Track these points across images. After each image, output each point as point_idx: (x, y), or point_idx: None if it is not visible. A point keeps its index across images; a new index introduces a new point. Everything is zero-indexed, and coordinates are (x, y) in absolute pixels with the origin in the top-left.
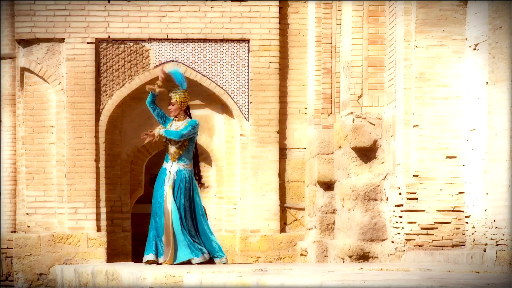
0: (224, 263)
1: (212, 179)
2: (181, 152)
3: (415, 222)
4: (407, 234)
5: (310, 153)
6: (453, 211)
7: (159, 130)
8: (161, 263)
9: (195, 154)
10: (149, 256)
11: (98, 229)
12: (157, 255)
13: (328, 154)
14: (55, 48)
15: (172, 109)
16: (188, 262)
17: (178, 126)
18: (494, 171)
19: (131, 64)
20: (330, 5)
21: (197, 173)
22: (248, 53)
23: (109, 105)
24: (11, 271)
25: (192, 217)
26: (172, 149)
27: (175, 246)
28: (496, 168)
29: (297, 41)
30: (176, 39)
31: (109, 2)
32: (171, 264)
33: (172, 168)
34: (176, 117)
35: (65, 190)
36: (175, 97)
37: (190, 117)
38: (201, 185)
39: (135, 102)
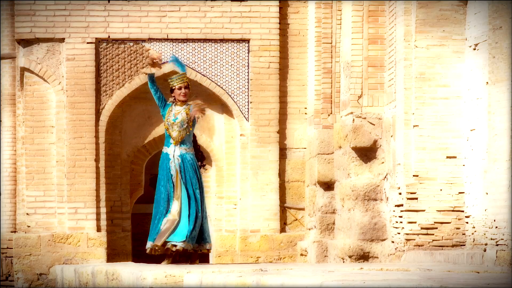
0: (209, 249)
1: (212, 179)
2: (184, 135)
3: (415, 222)
4: (407, 234)
5: (310, 153)
6: (453, 211)
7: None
8: (153, 247)
9: (194, 139)
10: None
11: (98, 229)
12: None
13: (328, 154)
14: (55, 48)
15: (187, 92)
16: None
17: (179, 110)
18: (494, 171)
19: (131, 64)
20: (330, 5)
21: (200, 157)
22: (248, 53)
23: (109, 105)
24: (11, 271)
25: (196, 200)
26: (175, 133)
27: (175, 227)
28: (496, 168)
29: (297, 41)
30: (176, 39)
31: (109, 2)
32: (164, 242)
33: (175, 152)
34: (177, 101)
35: (65, 190)
36: (185, 80)
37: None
38: (203, 166)
39: (135, 102)
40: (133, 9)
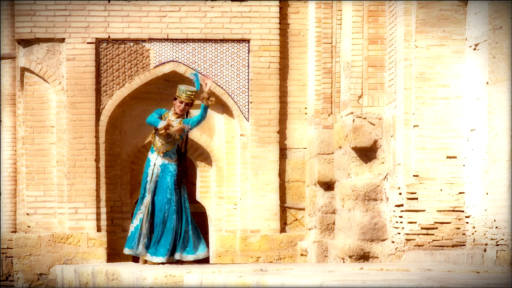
0: (191, 260)
1: (212, 179)
2: (169, 148)
3: (415, 222)
4: (407, 234)
5: (310, 153)
6: (453, 211)
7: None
8: (160, 263)
9: (184, 151)
10: (126, 250)
11: (98, 229)
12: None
13: (328, 154)
14: (55, 48)
15: (185, 109)
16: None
17: (173, 122)
18: (494, 171)
19: (131, 64)
20: (330, 5)
21: (183, 171)
22: (248, 53)
23: (109, 105)
24: (11, 271)
25: (179, 211)
26: (159, 143)
27: (161, 241)
28: (496, 168)
29: (297, 41)
30: (176, 39)
31: (109, 2)
32: (168, 261)
33: (156, 161)
34: (177, 113)
35: (65, 190)
36: (191, 97)
37: (187, 117)
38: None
39: (135, 102)
40: (133, 9)
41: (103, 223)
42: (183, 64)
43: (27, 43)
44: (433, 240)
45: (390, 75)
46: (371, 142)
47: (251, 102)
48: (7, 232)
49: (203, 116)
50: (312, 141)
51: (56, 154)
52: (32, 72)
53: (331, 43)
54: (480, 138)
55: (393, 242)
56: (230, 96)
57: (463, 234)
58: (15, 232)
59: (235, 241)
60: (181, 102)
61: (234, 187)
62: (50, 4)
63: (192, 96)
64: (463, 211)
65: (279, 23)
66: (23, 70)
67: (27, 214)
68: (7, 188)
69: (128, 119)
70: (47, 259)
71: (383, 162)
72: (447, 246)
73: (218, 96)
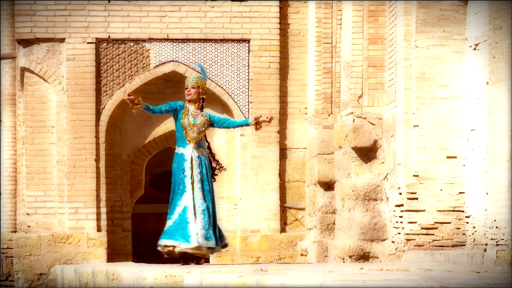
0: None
1: None
2: (201, 137)
3: (415, 222)
4: (407, 234)
5: (310, 153)
6: (453, 211)
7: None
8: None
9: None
10: (170, 242)
11: (99, 229)
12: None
13: (329, 154)
14: (55, 48)
15: (193, 92)
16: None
17: (196, 112)
18: (495, 171)
19: (132, 64)
20: (330, 5)
21: (216, 160)
22: (249, 53)
23: (110, 105)
24: (12, 271)
25: (212, 201)
26: (194, 134)
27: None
28: (496, 168)
29: (297, 41)
30: (176, 39)
31: (109, 2)
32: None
33: (193, 153)
34: (191, 101)
35: (66, 190)
36: (198, 82)
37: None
38: (222, 168)
39: None
40: (133, 9)
41: (103, 223)
42: (183, 64)
43: (27, 43)
44: (433, 240)
45: (390, 75)
46: (371, 142)
47: (251, 102)
48: (7, 232)
49: (230, 124)
50: (312, 141)
51: (56, 154)
52: (32, 72)
53: (331, 43)
54: (480, 138)
55: (393, 242)
56: (230, 96)
57: (463, 234)
58: (15, 232)
59: (235, 241)
60: (186, 88)
61: (234, 187)
62: (50, 4)
63: (198, 81)
64: (463, 211)
65: (279, 23)
66: (23, 70)
67: (27, 214)
68: (7, 188)
69: (128, 119)
70: (47, 259)
71: (383, 162)
72: (447, 246)
73: (219, 96)
